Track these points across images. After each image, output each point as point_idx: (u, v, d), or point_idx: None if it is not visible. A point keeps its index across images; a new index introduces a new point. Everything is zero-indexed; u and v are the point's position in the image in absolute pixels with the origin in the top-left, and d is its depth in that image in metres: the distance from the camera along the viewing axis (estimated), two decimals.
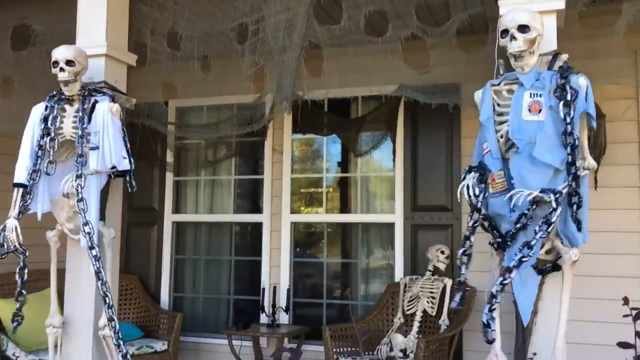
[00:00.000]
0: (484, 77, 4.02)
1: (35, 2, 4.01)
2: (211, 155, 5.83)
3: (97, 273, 3.03)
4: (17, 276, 3.13)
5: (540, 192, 2.50)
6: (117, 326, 3.00)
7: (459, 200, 2.70)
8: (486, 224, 2.71)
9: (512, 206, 2.55)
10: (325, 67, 3.51)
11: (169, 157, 5.74)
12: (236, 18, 3.56)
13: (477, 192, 2.65)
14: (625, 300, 1.97)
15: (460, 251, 2.73)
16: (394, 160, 5.17)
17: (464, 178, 2.72)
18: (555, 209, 2.44)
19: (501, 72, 2.80)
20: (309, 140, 5.58)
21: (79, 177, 3.08)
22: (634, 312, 1.80)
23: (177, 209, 5.84)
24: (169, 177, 5.80)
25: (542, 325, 2.73)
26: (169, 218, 5.78)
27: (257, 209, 5.62)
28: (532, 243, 2.45)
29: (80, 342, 3.31)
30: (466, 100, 4.42)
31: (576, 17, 3.12)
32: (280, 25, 3.41)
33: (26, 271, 3.14)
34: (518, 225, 2.56)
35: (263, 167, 5.58)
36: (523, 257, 2.46)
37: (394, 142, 5.15)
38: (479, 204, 2.66)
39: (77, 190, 3.06)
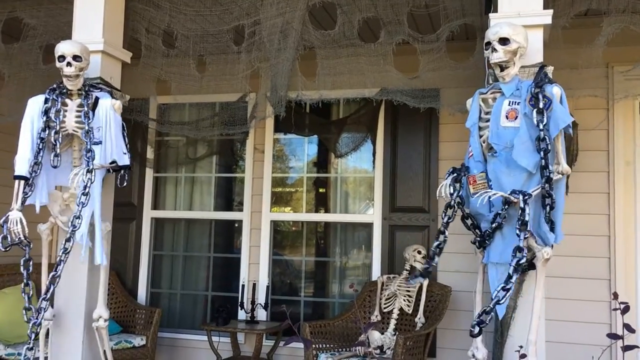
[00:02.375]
0: (464, 83, 4.21)
1: None
2: (192, 153, 5.87)
3: (57, 265, 3.04)
4: (22, 268, 3.13)
5: (511, 193, 2.68)
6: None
7: (438, 199, 2.88)
8: (469, 222, 2.89)
9: (480, 205, 2.76)
10: (319, 70, 3.62)
11: (149, 153, 5.76)
12: (231, 21, 3.64)
13: (451, 191, 2.86)
14: (615, 295, 2.13)
15: (435, 244, 2.92)
16: (374, 161, 5.30)
17: (446, 178, 2.93)
18: (523, 210, 2.61)
19: (490, 81, 2.96)
20: (291, 140, 5.67)
21: (89, 171, 3.10)
22: (621, 306, 1.96)
23: (156, 205, 5.85)
24: (149, 173, 5.81)
25: (520, 321, 2.88)
26: (148, 214, 5.79)
27: (238, 207, 5.69)
28: (521, 245, 2.61)
29: (70, 334, 3.33)
30: (445, 104, 4.61)
31: (559, 31, 3.30)
32: (275, 29, 3.50)
33: (31, 263, 3.15)
34: (494, 225, 2.74)
35: (244, 166, 5.65)
36: (519, 261, 2.60)
37: (374, 144, 5.29)
38: (452, 202, 2.86)
39: (87, 184, 3.08)
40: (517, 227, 2.65)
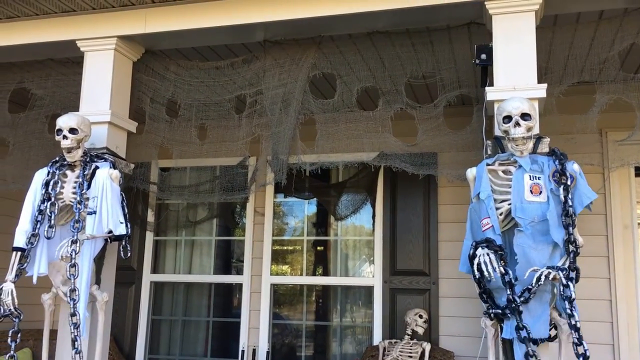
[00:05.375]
0: (461, 147, 4.29)
1: (34, 67, 4.12)
2: (192, 216, 5.90)
3: (74, 341, 3.07)
4: (9, 340, 3.13)
5: (550, 269, 2.67)
6: None
7: (477, 277, 2.74)
8: (485, 296, 2.83)
9: (534, 281, 2.66)
10: (318, 136, 3.70)
11: (150, 217, 5.79)
12: (234, 91, 3.74)
13: (503, 270, 2.67)
14: None
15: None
16: (373, 224, 5.33)
17: (474, 254, 2.76)
18: (567, 286, 2.62)
19: (489, 152, 3.02)
20: (291, 202, 5.71)
21: (74, 242, 3.14)
22: None
23: (155, 269, 5.84)
24: (149, 237, 5.82)
25: None
26: (148, 278, 5.76)
27: (237, 270, 5.67)
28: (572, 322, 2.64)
29: None
30: (442, 170, 4.67)
31: (553, 101, 3.39)
32: (277, 98, 3.60)
33: (19, 335, 3.15)
34: (522, 299, 2.69)
35: (244, 228, 5.67)
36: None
37: (373, 207, 5.33)
38: (513, 280, 2.68)
39: (71, 255, 3.11)
40: (564, 302, 2.66)
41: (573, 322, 2.63)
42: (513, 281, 2.69)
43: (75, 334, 3.06)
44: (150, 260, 5.79)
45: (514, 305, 2.66)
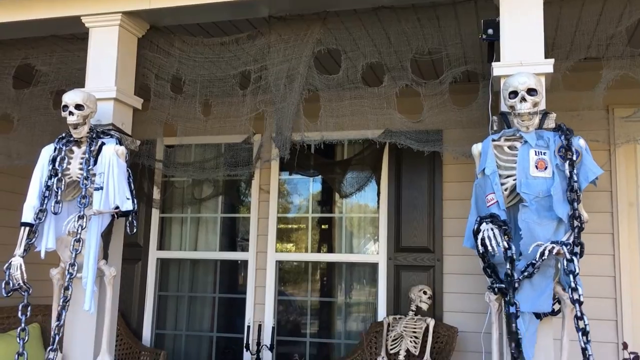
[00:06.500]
0: (467, 124, 4.28)
1: (38, 44, 4.11)
2: (198, 193, 5.92)
3: (59, 314, 3.11)
4: (19, 313, 3.17)
5: (554, 244, 2.69)
6: None
7: (481, 252, 2.75)
8: (489, 270, 2.85)
9: (538, 256, 2.69)
10: (322, 112, 3.70)
11: (156, 194, 5.81)
12: (238, 67, 3.73)
13: (506, 245, 2.70)
14: (625, 346, 2.14)
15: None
16: (378, 202, 5.34)
17: (478, 229, 2.78)
18: (571, 260, 2.63)
19: (495, 127, 3.01)
20: (296, 180, 5.72)
21: (81, 217, 3.17)
22: (631, 356, 1.97)
23: (161, 246, 5.88)
24: (155, 214, 5.85)
25: None
26: (154, 254, 5.81)
27: (242, 247, 5.71)
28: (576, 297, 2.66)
29: None
30: (448, 147, 4.66)
31: (559, 76, 3.37)
32: (281, 74, 3.59)
33: (29, 309, 3.19)
34: (525, 274, 2.71)
35: (249, 206, 5.69)
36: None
37: (378, 184, 5.34)
38: (514, 255, 2.72)
39: (77, 230, 3.14)
40: (565, 276, 2.69)
41: (576, 297, 2.65)
42: (515, 257, 2.71)
43: (62, 306, 3.09)
44: (156, 237, 5.83)
45: (510, 280, 2.68)
